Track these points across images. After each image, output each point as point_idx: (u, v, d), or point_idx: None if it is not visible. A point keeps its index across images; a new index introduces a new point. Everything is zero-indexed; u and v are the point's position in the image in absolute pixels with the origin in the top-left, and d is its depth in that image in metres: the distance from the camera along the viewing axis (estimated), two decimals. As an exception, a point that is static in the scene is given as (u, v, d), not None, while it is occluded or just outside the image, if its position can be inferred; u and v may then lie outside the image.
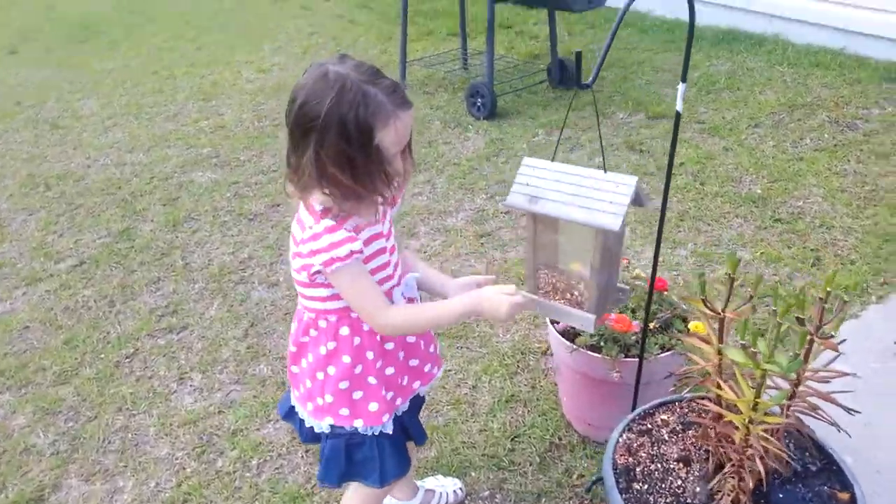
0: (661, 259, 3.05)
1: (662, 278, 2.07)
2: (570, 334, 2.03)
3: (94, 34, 7.05)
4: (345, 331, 1.45)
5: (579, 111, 4.38)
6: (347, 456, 1.56)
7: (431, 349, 1.64)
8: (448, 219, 3.38)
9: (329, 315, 1.45)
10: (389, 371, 1.52)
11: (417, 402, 1.72)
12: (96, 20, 7.57)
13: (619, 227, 1.33)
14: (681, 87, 1.47)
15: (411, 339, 1.55)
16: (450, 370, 2.46)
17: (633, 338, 1.95)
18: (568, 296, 1.54)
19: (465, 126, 4.33)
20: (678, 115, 1.51)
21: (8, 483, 2.15)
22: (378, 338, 1.47)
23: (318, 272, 1.35)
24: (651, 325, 1.96)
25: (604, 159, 1.41)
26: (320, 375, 1.49)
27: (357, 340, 1.46)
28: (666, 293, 2.06)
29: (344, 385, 1.47)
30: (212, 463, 2.17)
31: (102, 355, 2.66)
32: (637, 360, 1.87)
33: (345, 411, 1.50)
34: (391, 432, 1.55)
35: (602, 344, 1.95)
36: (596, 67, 1.36)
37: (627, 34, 5.76)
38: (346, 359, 1.46)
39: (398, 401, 1.57)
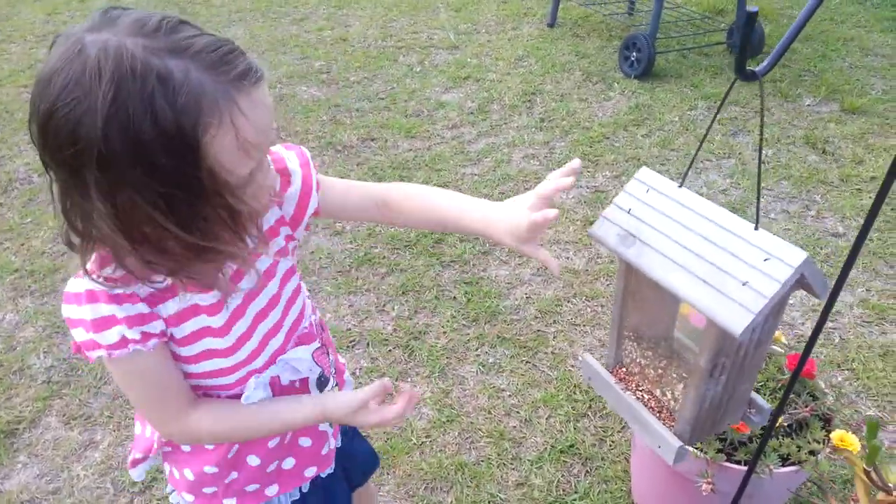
0: (831, 307, 2.36)
1: (811, 358, 1.44)
2: (658, 403, 1.47)
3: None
4: None
5: (755, 86, 3.57)
6: None
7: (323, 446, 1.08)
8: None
9: None
10: (231, 476, 1.01)
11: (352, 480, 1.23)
12: None
13: (744, 333, 0.76)
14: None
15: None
16: (503, 389, 1.97)
17: (749, 435, 1.37)
18: (658, 393, 0.99)
19: (609, 83, 3.65)
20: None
21: (-11, 404, 1.94)
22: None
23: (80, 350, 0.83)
24: (777, 423, 1.37)
25: (758, 207, 0.83)
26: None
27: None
28: (812, 381, 1.44)
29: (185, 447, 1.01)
30: (199, 439, 1.84)
31: (136, 276, 2.40)
32: (744, 468, 1.30)
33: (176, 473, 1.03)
34: None
35: (698, 432, 1.38)
36: (773, 54, 0.77)
37: (837, 3, 4.72)
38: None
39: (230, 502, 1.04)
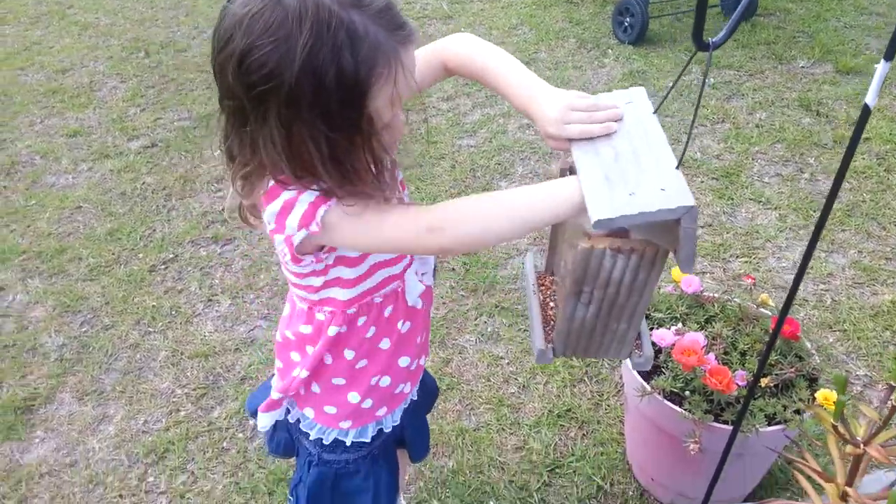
0: (808, 266, 2.39)
1: (795, 320, 1.49)
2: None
3: None
4: (332, 330, 1.05)
5: (750, 49, 3.57)
6: (334, 487, 1.20)
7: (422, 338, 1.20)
8: (553, 162, 2.83)
9: (324, 306, 1.04)
10: (385, 382, 1.13)
11: (425, 399, 1.33)
12: None
13: (599, 223, 0.76)
14: (881, 66, 0.85)
15: (403, 328, 1.10)
16: (502, 357, 2.03)
17: (736, 395, 1.42)
18: (559, 301, 1.05)
19: (603, 49, 3.65)
20: (865, 111, 0.90)
21: (4, 383, 2.00)
22: (370, 338, 1.07)
23: (305, 240, 0.88)
24: (763, 383, 1.42)
25: (683, 152, 0.85)
26: (304, 374, 1.11)
27: (349, 355, 1.07)
28: (797, 342, 1.49)
29: (338, 381, 1.11)
30: (208, 411, 1.91)
31: (141, 255, 2.45)
32: (730, 427, 1.36)
33: (331, 409, 1.13)
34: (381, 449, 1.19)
35: (687, 394, 1.44)
36: (728, 26, 0.81)
37: (836, -41, 4.67)
38: (336, 374, 1.10)
39: (382, 411, 1.17)
